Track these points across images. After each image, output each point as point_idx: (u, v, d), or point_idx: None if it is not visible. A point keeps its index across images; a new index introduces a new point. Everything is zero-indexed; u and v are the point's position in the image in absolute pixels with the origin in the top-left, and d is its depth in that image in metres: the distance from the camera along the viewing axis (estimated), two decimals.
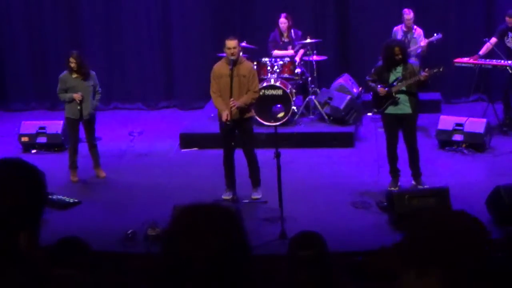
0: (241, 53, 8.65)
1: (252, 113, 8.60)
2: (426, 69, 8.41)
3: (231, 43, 8.20)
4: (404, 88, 8.30)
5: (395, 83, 8.32)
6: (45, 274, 2.01)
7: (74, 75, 9.15)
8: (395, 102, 8.32)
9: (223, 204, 1.95)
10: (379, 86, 8.39)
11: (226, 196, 8.42)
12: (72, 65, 9.08)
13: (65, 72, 9.23)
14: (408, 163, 8.53)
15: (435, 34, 11.15)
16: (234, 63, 8.18)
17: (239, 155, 8.44)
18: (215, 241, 1.81)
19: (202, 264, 1.79)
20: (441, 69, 8.45)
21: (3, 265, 1.96)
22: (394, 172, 8.59)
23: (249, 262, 1.86)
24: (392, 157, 8.52)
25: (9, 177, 2.03)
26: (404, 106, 8.32)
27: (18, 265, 1.96)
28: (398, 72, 8.35)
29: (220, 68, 8.33)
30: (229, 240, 1.83)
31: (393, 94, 8.30)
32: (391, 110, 8.37)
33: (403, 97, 8.30)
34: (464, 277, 1.67)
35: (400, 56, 8.27)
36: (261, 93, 10.65)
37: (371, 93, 8.72)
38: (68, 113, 9.25)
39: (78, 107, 9.11)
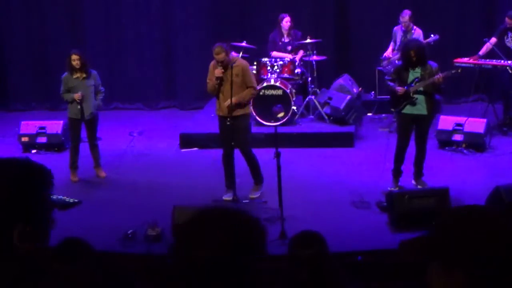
0: (232, 54, 8.48)
1: (247, 110, 8.48)
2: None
3: (214, 50, 8.11)
4: (421, 89, 8.28)
5: (413, 84, 8.31)
6: (43, 269, 2.01)
7: (75, 76, 9.15)
8: (413, 103, 8.31)
9: (230, 206, 1.96)
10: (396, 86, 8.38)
11: (227, 197, 8.40)
12: (75, 62, 9.06)
13: (66, 73, 9.23)
14: (412, 163, 8.53)
15: (432, 35, 11.14)
16: (225, 68, 8.15)
17: (238, 155, 8.43)
18: (219, 244, 1.81)
19: (206, 266, 1.79)
20: (459, 70, 8.47)
21: None
22: (397, 173, 8.56)
23: (253, 266, 1.86)
24: (399, 158, 8.48)
25: (5, 174, 2.04)
26: (420, 107, 8.29)
27: (11, 259, 1.97)
28: (417, 72, 8.30)
29: (216, 67, 8.26)
30: (233, 243, 1.83)
31: (411, 94, 8.30)
32: (408, 110, 8.34)
33: (420, 98, 8.27)
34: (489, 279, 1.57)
35: (415, 59, 8.23)
36: (261, 93, 10.69)
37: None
38: (70, 113, 9.26)
39: (78, 107, 9.11)
